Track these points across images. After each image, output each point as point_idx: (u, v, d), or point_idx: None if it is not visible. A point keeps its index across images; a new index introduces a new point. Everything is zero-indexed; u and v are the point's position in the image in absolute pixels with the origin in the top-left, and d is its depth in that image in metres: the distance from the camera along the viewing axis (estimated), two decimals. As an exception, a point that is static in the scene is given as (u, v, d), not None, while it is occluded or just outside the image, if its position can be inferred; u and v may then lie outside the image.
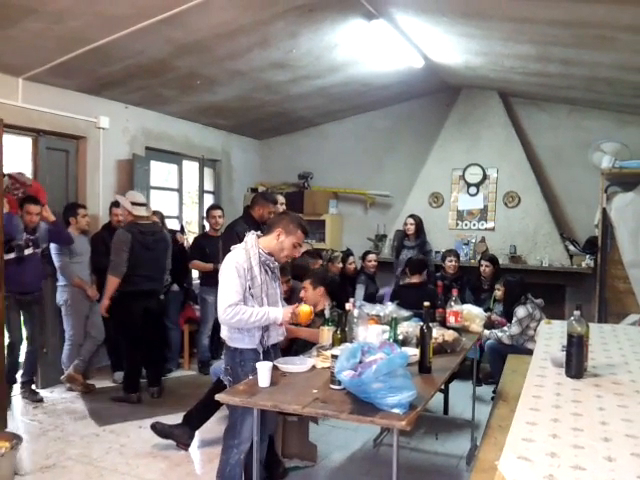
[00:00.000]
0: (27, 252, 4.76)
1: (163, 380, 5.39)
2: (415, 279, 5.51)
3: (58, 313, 5.30)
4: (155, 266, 5.10)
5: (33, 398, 4.94)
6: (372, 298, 6.04)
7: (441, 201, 7.39)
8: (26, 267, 4.74)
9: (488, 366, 5.44)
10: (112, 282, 4.87)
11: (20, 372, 4.98)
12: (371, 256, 6.64)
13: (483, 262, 6.12)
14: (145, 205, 5.14)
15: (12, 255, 4.60)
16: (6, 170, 4.72)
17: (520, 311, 5.07)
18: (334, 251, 6.73)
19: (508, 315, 5.25)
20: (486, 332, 5.16)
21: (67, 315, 5.26)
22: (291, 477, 3.68)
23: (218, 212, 6.06)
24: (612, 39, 4.33)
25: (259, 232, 3.13)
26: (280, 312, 2.97)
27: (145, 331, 5.07)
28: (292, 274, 4.49)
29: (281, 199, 5.83)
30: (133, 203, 5.06)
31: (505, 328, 5.23)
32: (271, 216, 4.80)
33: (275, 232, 3.05)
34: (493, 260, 6.11)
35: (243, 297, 2.91)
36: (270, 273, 3.06)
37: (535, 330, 4.94)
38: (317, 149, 8.30)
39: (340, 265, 6.32)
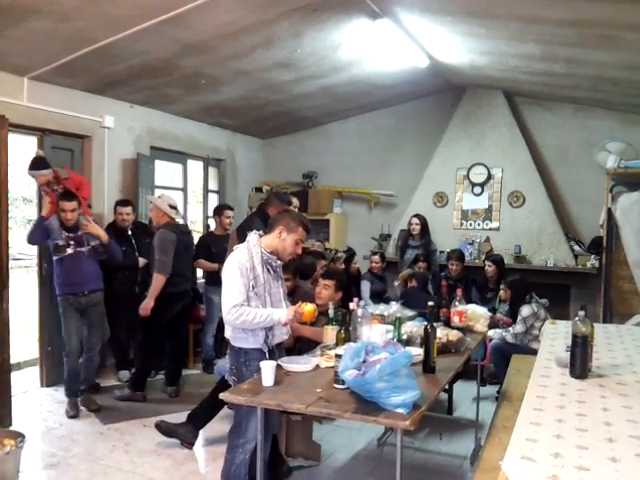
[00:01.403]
0: (69, 251, 4.54)
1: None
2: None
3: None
4: (190, 266, 5.25)
5: (91, 407, 4.73)
6: (379, 296, 6.05)
7: (445, 201, 7.38)
8: (72, 267, 4.56)
9: (492, 366, 5.43)
10: (160, 281, 4.81)
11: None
12: (374, 257, 6.67)
13: (486, 262, 6.13)
14: (176, 209, 5.14)
15: (55, 257, 4.54)
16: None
17: (525, 310, 5.07)
18: (337, 251, 6.74)
19: (514, 315, 5.24)
20: (490, 332, 5.16)
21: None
22: (295, 476, 3.68)
23: (231, 213, 6.09)
24: (618, 38, 4.32)
25: (261, 231, 3.13)
26: (284, 313, 2.97)
27: (172, 330, 5.14)
28: (299, 273, 4.49)
29: (295, 202, 5.80)
30: (170, 206, 5.07)
31: (510, 328, 5.23)
32: None
33: (277, 230, 3.05)
34: (496, 260, 6.10)
35: (247, 297, 2.92)
36: (272, 272, 3.06)
37: (540, 330, 4.93)
38: (321, 148, 8.30)
39: (343, 266, 6.35)
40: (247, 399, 2.50)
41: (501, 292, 5.53)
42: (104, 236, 4.70)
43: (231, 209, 6.15)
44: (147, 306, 4.81)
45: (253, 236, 3.05)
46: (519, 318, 5.08)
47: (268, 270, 3.02)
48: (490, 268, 6.04)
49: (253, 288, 2.93)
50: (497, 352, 5.15)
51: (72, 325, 4.63)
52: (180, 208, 7.10)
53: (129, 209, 5.52)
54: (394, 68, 6.08)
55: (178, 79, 5.58)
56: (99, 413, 4.66)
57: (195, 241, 6.41)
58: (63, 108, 5.38)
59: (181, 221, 5.43)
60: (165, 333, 5.15)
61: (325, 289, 3.98)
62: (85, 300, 4.65)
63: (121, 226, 5.48)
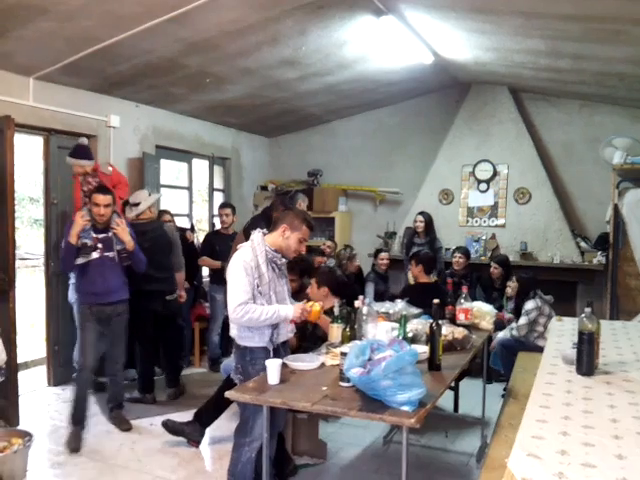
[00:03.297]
0: (95, 255, 4.09)
1: (181, 382, 5.33)
2: (426, 279, 5.20)
3: (70, 311, 5.33)
4: (153, 265, 4.81)
5: (123, 426, 4.35)
6: (382, 297, 6.03)
7: (451, 198, 7.36)
8: (96, 275, 4.12)
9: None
10: None
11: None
12: (383, 254, 6.64)
13: (492, 264, 6.12)
14: (137, 204, 4.94)
15: (80, 260, 4.09)
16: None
17: (528, 304, 5.08)
18: (352, 248, 6.72)
19: (518, 310, 5.23)
20: (500, 334, 5.17)
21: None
22: (301, 474, 3.68)
23: (226, 210, 6.07)
24: (624, 33, 4.30)
25: (265, 230, 3.13)
26: (290, 309, 2.98)
27: (157, 332, 5.09)
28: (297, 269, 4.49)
29: (304, 202, 5.73)
30: (129, 204, 5.02)
31: (513, 324, 5.23)
32: None
33: (280, 228, 3.05)
34: (501, 261, 6.10)
35: (252, 295, 2.92)
36: (277, 270, 3.06)
37: (544, 326, 4.94)
38: (326, 146, 8.30)
39: (357, 263, 6.37)
40: (253, 397, 2.51)
41: (508, 289, 5.52)
42: (130, 242, 4.23)
43: (227, 206, 6.14)
44: None
45: (257, 234, 3.05)
46: (522, 312, 5.09)
47: (273, 268, 3.02)
48: (496, 270, 6.04)
49: (258, 287, 2.93)
50: (503, 349, 5.14)
51: (91, 338, 4.19)
52: (185, 207, 7.15)
53: None
54: (399, 65, 6.07)
55: (183, 78, 5.59)
56: (105, 412, 4.64)
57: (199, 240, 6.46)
58: (69, 108, 5.40)
59: (151, 219, 5.18)
60: (156, 335, 5.12)
61: (311, 288, 4.03)
62: (110, 309, 4.23)
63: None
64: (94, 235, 4.10)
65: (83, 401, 4.21)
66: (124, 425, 4.37)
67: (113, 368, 4.44)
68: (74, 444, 4.01)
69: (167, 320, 5.19)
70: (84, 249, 4.06)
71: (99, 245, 4.12)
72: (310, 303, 3.06)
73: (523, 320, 5.07)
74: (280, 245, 3.04)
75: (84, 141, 4.75)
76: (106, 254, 4.15)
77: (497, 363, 5.21)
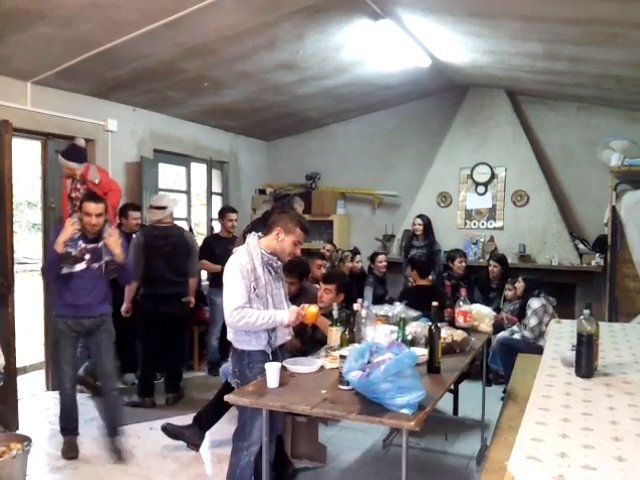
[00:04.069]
0: (78, 267, 3.79)
1: (181, 386, 5.33)
2: (424, 282, 5.19)
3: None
4: (172, 269, 5.05)
5: (119, 456, 3.93)
6: (381, 300, 6.03)
7: (449, 201, 7.37)
8: (78, 286, 3.82)
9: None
10: (129, 286, 4.92)
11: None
12: (381, 257, 6.63)
13: (492, 262, 6.13)
14: (163, 208, 5.07)
15: (64, 270, 3.79)
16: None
17: (535, 303, 5.07)
18: (344, 251, 6.75)
19: (523, 311, 5.21)
20: (499, 336, 5.15)
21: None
22: (300, 478, 3.68)
23: (235, 215, 6.09)
24: (622, 36, 4.30)
25: (260, 233, 3.13)
26: (286, 314, 2.97)
27: (165, 335, 5.10)
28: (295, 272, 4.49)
29: (300, 207, 5.73)
30: (152, 207, 5.10)
31: (515, 328, 5.21)
32: None
33: (275, 231, 3.05)
34: (501, 261, 6.10)
35: (248, 298, 2.92)
36: (274, 273, 3.06)
37: (547, 325, 4.93)
38: (324, 150, 8.30)
39: (350, 264, 6.37)
40: (252, 401, 2.50)
41: (506, 291, 5.51)
42: (120, 255, 3.89)
43: (234, 211, 6.17)
44: (124, 308, 5.02)
45: (252, 238, 3.06)
46: (530, 312, 5.06)
47: (269, 271, 3.02)
48: (496, 269, 6.04)
49: (254, 290, 2.93)
50: (503, 347, 5.13)
51: (67, 353, 3.93)
52: (183, 211, 7.15)
53: (139, 214, 5.56)
54: (396, 68, 6.08)
55: (181, 82, 5.59)
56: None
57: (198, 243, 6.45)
58: (66, 112, 5.40)
59: (173, 223, 5.28)
60: (162, 338, 5.12)
61: (326, 293, 4.01)
62: (89, 323, 3.92)
63: (131, 231, 5.45)
64: (83, 245, 3.81)
65: (70, 414, 4.04)
66: (120, 455, 3.93)
67: (106, 384, 4.05)
68: (70, 452, 3.95)
69: (180, 323, 5.25)
70: (67, 259, 3.75)
71: (87, 256, 3.82)
72: (307, 306, 3.06)
73: (534, 321, 5.03)
74: (275, 248, 3.05)
75: (80, 142, 4.55)
76: (93, 265, 3.84)
77: (496, 362, 5.20)
